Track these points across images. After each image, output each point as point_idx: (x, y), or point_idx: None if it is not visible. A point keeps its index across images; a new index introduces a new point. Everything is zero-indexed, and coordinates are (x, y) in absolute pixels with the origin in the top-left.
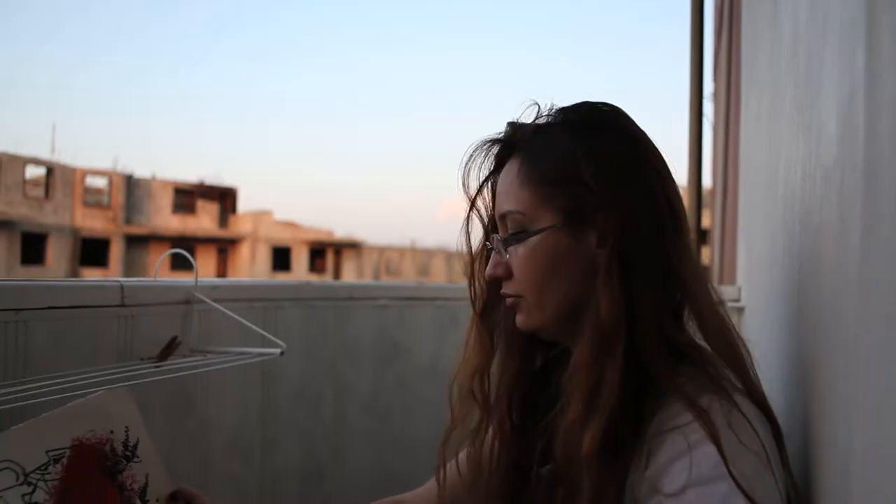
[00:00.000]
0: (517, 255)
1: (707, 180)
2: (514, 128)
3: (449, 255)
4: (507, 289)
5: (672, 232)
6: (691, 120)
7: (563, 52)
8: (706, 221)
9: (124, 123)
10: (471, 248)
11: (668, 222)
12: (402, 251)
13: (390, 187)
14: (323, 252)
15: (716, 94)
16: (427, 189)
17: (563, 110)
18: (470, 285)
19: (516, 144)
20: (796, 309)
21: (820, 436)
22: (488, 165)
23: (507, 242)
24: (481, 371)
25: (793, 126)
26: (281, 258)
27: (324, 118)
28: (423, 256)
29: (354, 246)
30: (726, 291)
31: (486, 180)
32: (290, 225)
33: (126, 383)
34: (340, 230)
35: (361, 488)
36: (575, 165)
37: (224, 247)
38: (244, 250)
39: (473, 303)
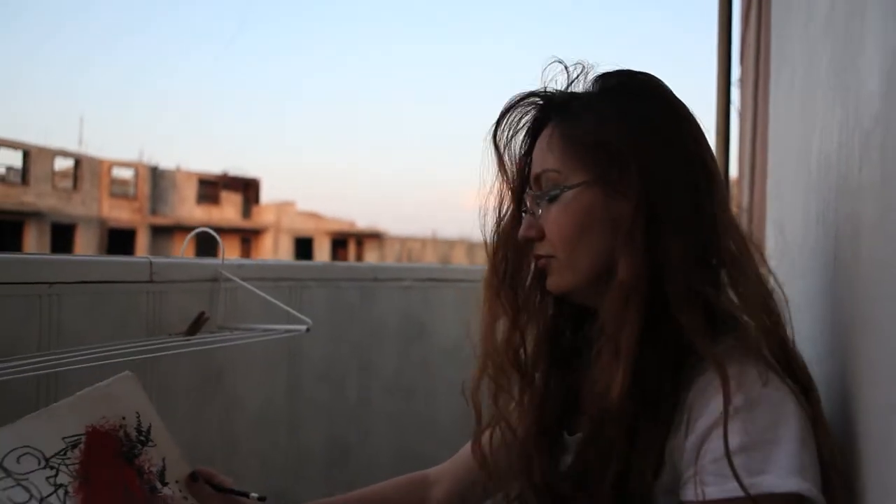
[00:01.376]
0: (550, 213)
1: (733, 170)
2: (554, 91)
3: (470, 245)
4: (538, 250)
5: (707, 197)
6: (718, 108)
7: (578, 48)
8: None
9: (149, 116)
10: (499, 217)
11: (704, 187)
12: (423, 241)
13: (412, 178)
14: (345, 242)
15: (742, 80)
16: (449, 180)
17: (602, 76)
18: (494, 253)
19: (554, 107)
20: (832, 276)
21: (862, 402)
22: (524, 127)
23: (540, 198)
24: (514, 341)
25: (829, 92)
26: (303, 248)
27: (346, 109)
28: (445, 247)
29: (376, 236)
30: None
31: (524, 137)
32: (312, 215)
33: (155, 355)
34: (362, 220)
35: (385, 469)
36: (610, 129)
37: (247, 237)
38: (267, 240)
39: (499, 271)
